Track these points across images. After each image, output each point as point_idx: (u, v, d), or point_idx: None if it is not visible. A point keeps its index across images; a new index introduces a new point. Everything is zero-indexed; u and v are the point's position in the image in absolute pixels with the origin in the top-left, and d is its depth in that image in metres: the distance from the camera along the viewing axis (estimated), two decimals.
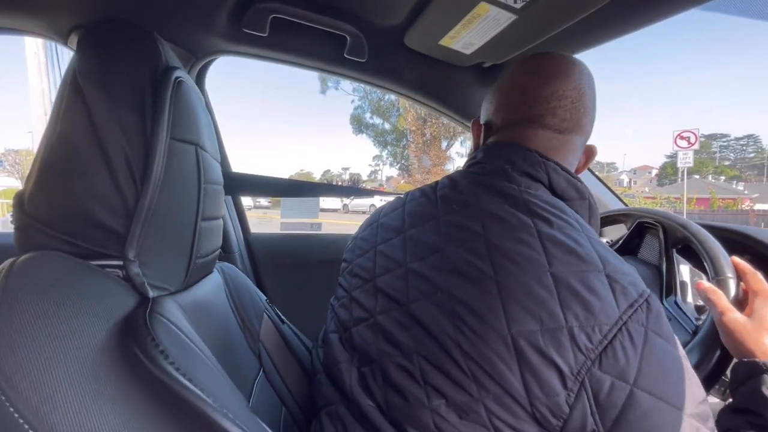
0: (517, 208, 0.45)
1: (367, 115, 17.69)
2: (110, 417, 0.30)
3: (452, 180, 0.54)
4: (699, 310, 0.68)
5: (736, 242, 0.76)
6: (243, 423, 0.34)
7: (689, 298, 0.69)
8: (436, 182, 0.57)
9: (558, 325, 0.37)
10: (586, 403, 0.36)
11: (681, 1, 0.65)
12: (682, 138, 12.54)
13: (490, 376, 0.37)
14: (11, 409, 0.27)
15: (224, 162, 1.11)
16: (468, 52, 0.85)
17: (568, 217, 0.45)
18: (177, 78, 0.43)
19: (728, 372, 0.52)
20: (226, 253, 1.10)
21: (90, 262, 0.39)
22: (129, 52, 0.42)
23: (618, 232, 0.89)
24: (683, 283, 0.70)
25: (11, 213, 0.42)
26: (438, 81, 1.03)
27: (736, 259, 0.58)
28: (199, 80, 0.98)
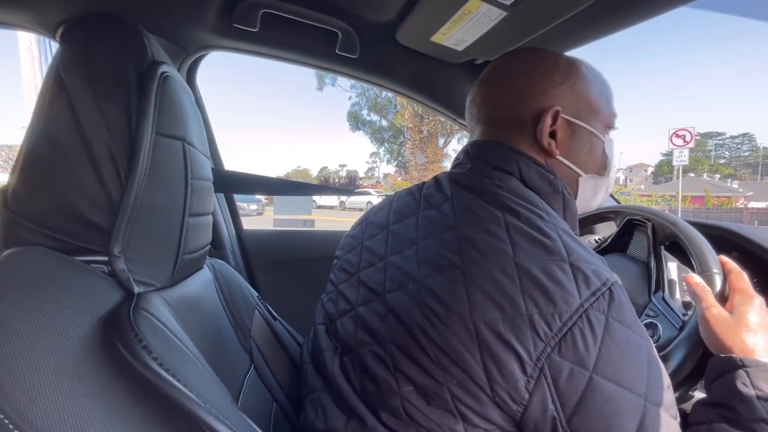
0: (488, 200, 0.46)
1: (364, 111, 17.68)
2: (92, 412, 0.30)
3: (436, 180, 0.56)
4: (686, 306, 0.68)
5: (724, 239, 0.77)
6: (227, 419, 0.34)
7: (677, 295, 0.70)
8: (423, 182, 0.59)
9: (519, 313, 0.37)
10: (546, 389, 0.37)
11: None
12: (677, 136, 12.59)
13: (454, 362, 0.38)
14: None
15: (216, 159, 1.10)
16: (459, 48, 0.85)
17: (537, 208, 0.45)
18: (163, 73, 0.43)
19: None
20: (218, 249, 1.10)
21: (74, 257, 0.39)
22: (113, 45, 0.41)
23: (610, 229, 0.90)
24: (671, 281, 0.71)
25: None
26: (430, 77, 1.02)
27: (724, 257, 0.59)
28: (190, 76, 0.98)
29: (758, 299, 0.52)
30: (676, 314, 0.64)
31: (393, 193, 0.65)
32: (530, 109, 0.52)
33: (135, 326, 0.34)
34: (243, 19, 0.80)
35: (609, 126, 0.56)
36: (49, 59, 0.43)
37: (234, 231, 1.19)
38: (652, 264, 0.72)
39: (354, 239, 0.60)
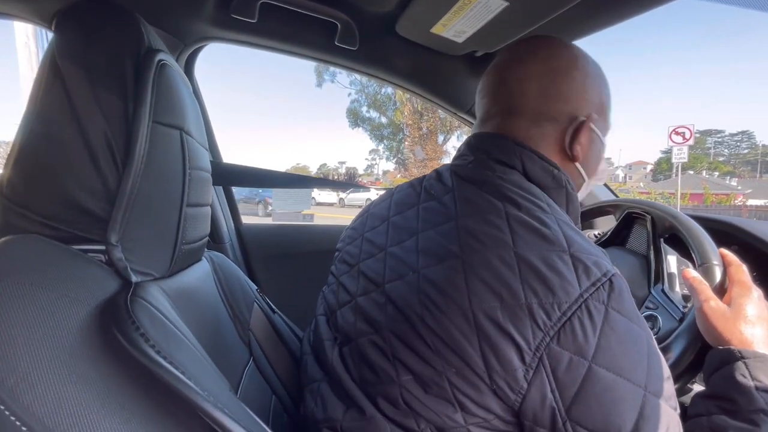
0: (489, 192, 0.46)
1: (364, 108, 17.62)
2: (89, 399, 0.30)
3: (437, 172, 0.56)
4: (686, 298, 0.68)
5: (724, 232, 0.76)
6: (225, 406, 0.34)
7: (677, 287, 0.70)
8: (424, 175, 0.58)
9: (517, 302, 0.37)
10: (545, 378, 0.37)
11: None
12: (677, 133, 12.60)
13: (452, 350, 0.38)
14: None
15: (214, 152, 1.10)
16: (460, 40, 0.85)
17: (539, 200, 0.45)
18: (160, 61, 0.42)
19: None
20: (217, 243, 1.10)
21: (71, 246, 0.38)
22: (110, 32, 0.41)
23: (609, 224, 0.90)
24: (671, 274, 0.70)
25: None
26: (430, 70, 1.02)
27: (724, 250, 0.59)
28: (188, 68, 0.97)
29: (757, 291, 0.52)
30: (676, 306, 0.64)
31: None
32: (565, 112, 0.50)
33: (132, 314, 0.34)
34: (241, 9, 0.79)
35: (608, 129, 0.56)
36: None
37: (233, 225, 1.18)
38: (652, 257, 0.71)
39: (355, 231, 0.60)
